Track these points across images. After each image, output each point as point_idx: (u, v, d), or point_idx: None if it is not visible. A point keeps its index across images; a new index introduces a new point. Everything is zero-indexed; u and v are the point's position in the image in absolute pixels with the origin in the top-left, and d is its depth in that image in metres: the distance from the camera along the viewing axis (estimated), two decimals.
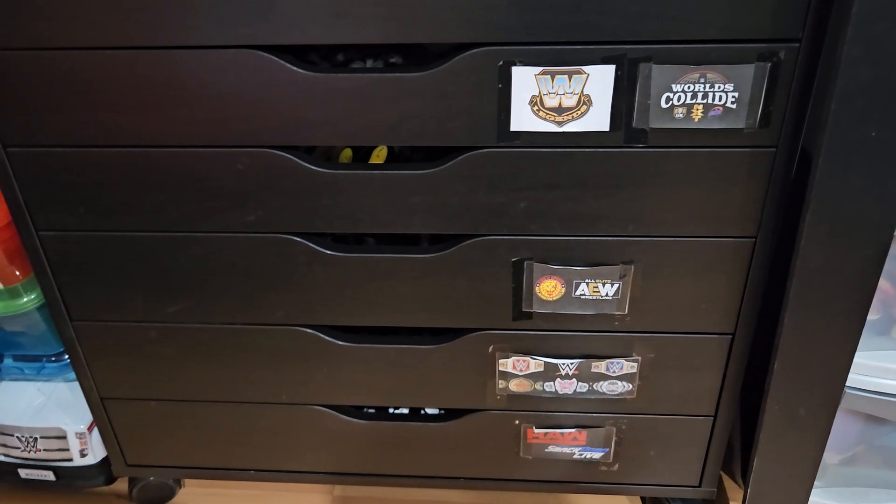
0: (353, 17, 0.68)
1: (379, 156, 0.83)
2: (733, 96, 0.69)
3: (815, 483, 0.90)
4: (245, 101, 0.73)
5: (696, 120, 0.70)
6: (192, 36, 0.70)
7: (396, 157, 0.85)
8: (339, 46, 0.81)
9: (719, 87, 0.68)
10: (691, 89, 0.69)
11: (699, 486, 0.99)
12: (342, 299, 0.86)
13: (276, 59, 0.71)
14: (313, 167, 0.77)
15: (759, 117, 0.70)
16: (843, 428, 0.93)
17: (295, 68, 0.71)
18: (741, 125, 0.70)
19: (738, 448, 1.01)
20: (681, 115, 0.70)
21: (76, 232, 0.84)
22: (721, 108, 0.70)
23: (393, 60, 0.80)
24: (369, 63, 0.81)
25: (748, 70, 0.68)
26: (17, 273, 0.95)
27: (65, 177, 0.80)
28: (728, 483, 1.08)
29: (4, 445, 1.06)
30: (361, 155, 0.85)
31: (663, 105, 0.70)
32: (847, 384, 0.83)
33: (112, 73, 0.73)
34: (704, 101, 0.69)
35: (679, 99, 0.69)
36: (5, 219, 0.88)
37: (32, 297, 0.96)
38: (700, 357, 0.86)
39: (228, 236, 0.82)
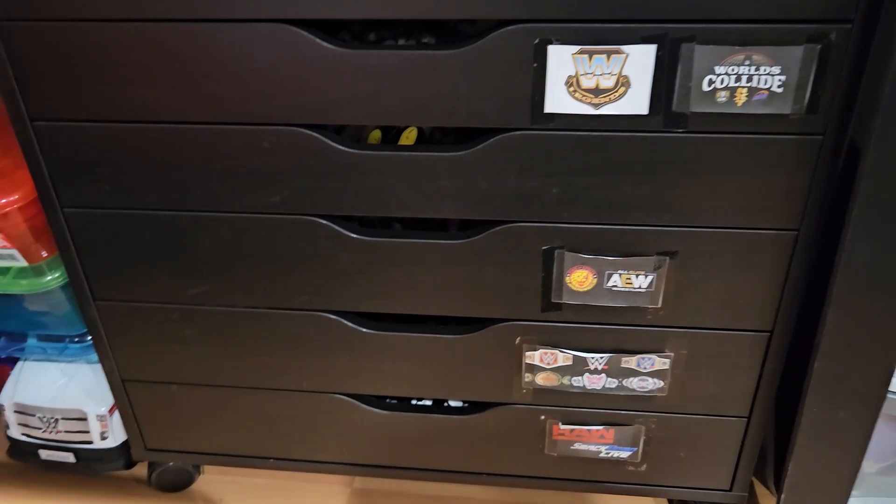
0: None
1: (408, 138, 0.82)
2: (780, 80, 0.66)
3: (852, 492, 0.87)
4: (273, 77, 0.72)
5: (740, 104, 0.67)
6: (220, 8, 0.69)
7: (426, 140, 0.83)
8: (370, 25, 0.80)
9: (765, 70, 0.66)
10: (735, 72, 0.66)
11: (730, 490, 0.96)
12: (367, 285, 0.84)
13: (306, 33, 0.69)
14: (340, 147, 0.75)
15: (806, 103, 0.67)
16: (883, 435, 0.90)
17: (324, 43, 0.70)
18: (787, 111, 0.67)
19: (771, 452, 0.98)
20: (723, 99, 0.67)
21: (101, 209, 0.83)
22: (766, 93, 0.67)
23: (426, 41, 0.78)
24: (401, 43, 0.79)
25: (796, 52, 0.65)
26: (43, 252, 0.95)
27: (90, 152, 0.79)
28: (760, 489, 1.06)
29: (26, 425, 1.06)
30: (390, 137, 0.83)
31: (705, 88, 0.67)
32: (889, 389, 0.80)
33: (138, 46, 0.72)
34: (749, 84, 0.66)
35: (722, 82, 0.67)
36: (31, 195, 0.88)
37: (57, 275, 0.96)
38: (735, 355, 0.84)
39: (252, 217, 0.81)
